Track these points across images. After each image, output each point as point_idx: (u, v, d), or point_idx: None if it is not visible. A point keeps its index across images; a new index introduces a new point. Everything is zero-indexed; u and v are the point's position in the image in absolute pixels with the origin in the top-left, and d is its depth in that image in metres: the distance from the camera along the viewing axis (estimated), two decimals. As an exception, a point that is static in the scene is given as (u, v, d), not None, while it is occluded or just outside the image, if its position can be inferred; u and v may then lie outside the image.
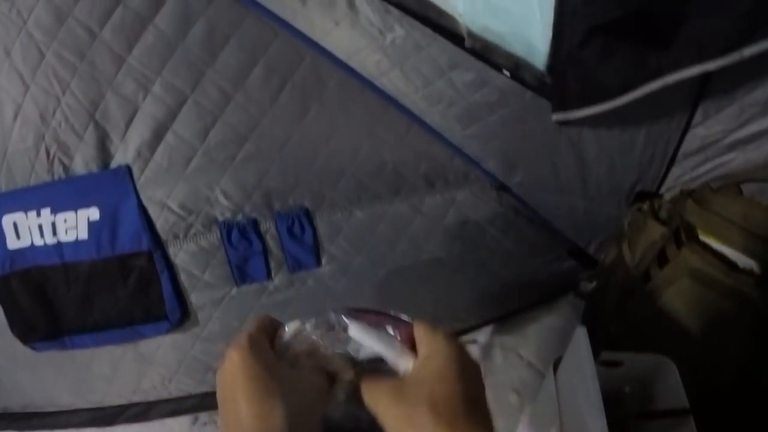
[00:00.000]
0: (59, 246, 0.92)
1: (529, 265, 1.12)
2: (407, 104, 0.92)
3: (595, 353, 0.79)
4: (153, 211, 0.92)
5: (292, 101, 0.90)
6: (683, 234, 0.89)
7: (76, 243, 0.91)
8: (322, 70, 0.90)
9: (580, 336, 0.79)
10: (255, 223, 0.95)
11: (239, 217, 0.94)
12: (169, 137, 0.89)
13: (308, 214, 0.96)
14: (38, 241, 0.91)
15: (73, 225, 0.90)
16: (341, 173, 0.95)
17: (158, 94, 0.87)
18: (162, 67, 0.86)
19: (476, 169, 0.98)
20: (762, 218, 0.84)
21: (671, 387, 0.83)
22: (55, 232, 0.91)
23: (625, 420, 0.86)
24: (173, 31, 0.85)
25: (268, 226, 0.96)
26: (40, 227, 0.90)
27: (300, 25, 0.88)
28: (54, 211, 0.90)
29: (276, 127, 0.91)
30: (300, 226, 0.96)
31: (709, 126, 0.94)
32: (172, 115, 0.88)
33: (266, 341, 0.45)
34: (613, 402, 0.79)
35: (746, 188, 0.90)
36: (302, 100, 0.91)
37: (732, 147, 0.94)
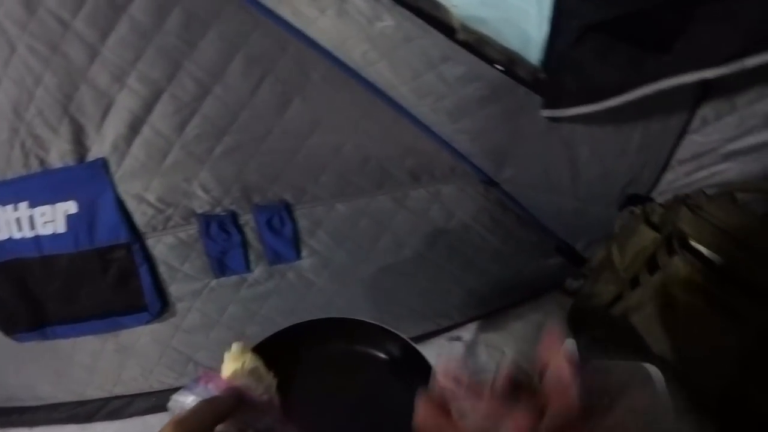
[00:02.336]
0: (38, 239, 0.90)
1: (516, 262, 1.09)
2: (395, 97, 0.89)
3: (583, 359, 0.77)
4: (131, 204, 0.90)
5: (272, 94, 0.87)
6: (675, 243, 0.86)
7: (54, 236, 0.90)
8: (305, 61, 0.87)
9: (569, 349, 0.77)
10: (234, 216, 0.93)
11: (218, 210, 0.92)
12: (145, 130, 0.86)
13: (288, 208, 0.94)
14: (16, 234, 0.90)
15: (51, 218, 0.89)
16: (323, 168, 0.92)
17: (134, 86, 0.84)
18: (137, 58, 0.83)
19: (464, 164, 0.95)
20: (756, 228, 0.81)
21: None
22: (33, 226, 0.89)
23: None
24: (149, 21, 0.82)
25: (247, 219, 0.94)
26: (18, 221, 0.89)
27: (283, 12, 0.84)
28: (32, 205, 0.88)
29: (256, 120, 0.88)
30: (279, 220, 0.94)
31: (706, 134, 0.90)
32: (148, 107, 0.85)
33: None
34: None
35: (740, 196, 0.87)
36: (284, 92, 0.88)
37: (728, 157, 0.90)
